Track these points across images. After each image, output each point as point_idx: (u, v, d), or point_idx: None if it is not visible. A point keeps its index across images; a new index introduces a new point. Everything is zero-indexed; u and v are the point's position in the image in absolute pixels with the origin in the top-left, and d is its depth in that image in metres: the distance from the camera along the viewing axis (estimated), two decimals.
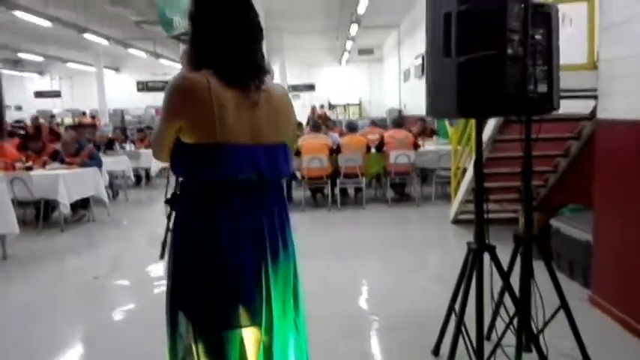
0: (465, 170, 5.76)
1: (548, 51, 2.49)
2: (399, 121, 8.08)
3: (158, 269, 4.94)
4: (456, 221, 6.03)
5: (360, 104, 21.79)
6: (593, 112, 4.18)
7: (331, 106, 18.88)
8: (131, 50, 17.77)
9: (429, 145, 8.13)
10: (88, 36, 14.32)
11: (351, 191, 8.20)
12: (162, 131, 1.60)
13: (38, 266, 5.12)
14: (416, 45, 14.08)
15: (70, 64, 21.01)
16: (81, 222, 7.21)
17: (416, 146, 7.43)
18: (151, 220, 7.35)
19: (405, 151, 7.19)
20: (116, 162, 9.00)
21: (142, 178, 10.99)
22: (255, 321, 1.58)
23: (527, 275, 2.56)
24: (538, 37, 2.45)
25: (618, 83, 3.09)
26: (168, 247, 1.75)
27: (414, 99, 14.75)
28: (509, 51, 2.22)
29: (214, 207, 1.57)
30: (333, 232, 6.32)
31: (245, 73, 1.57)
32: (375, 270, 4.76)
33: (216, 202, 1.57)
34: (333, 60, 22.08)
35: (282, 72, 17.40)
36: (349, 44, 17.27)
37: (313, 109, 15.55)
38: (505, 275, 2.48)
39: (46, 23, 12.11)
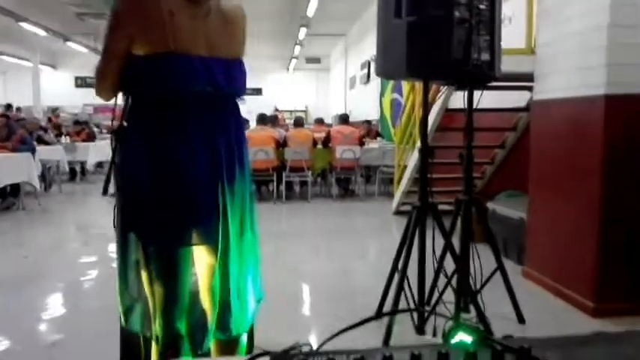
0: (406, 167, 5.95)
1: (491, 22, 2.63)
2: (345, 117, 8.20)
3: (90, 251, 4.77)
4: (398, 212, 6.17)
5: (306, 110, 21.93)
6: (529, 104, 4.43)
7: (278, 112, 18.97)
8: (70, 44, 17.07)
9: (373, 144, 8.32)
10: (25, 25, 13.66)
11: (296, 187, 8.23)
12: (111, 45, 1.55)
13: None
14: (362, 53, 14.40)
15: (4, 58, 19.89)
16: (9, 210, 6.83)
17: (361, 142, 7.57)
18: (84, 211, 7.06)
19: (351, 147, 7.31)
20: (50, 152, 8.56)
21: (77, 173, 10.54)
22: (208, 240, 1.55)
23: (466, 235, 2.66)
24: (482, 7, 2.58)
25: (553, 64, 3.29)
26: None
27: (360, 105, 15.05)
28: (457, 14, 2.33)
29: (167, 123, 1.51)
30: (278, 222, 6.31)
31: None
32: (318, 252, 4.80)
33: (169, 118, 1.51)
34: (281, 67, 22.15)
35: None
36: (297, 49, 17.39)
37: None
38: (446, 233, 2.57)
39: None
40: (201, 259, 1.59)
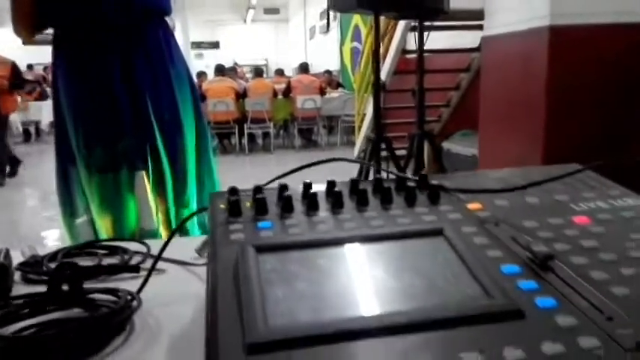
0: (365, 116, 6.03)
1: None
2: (305, 66, 8.15)
3: (49, 209, 4.73)
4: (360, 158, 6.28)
5: (266, 64, 21.56)
6: (481, 42, 4.51)
7: (238, 66, 18.59)
8: None
9: (334, 94, 8.35)
10: None
11: (259, 140, 8.23)
12: None
13: None
14: (321, 2, 14.13)
15: None
16: None
17: (322, 91, 7.58)
18: (41, 172, 6.90)
19: (312, 96, 7.31)
20: None
21: (31, 134, 10.23)
22: (144, 165, 1.51)
23: (418, 166, 2.78)
24: None
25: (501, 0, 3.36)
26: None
27: (320, 56, 14.91)
28: None
29: (78, 60, 1.42)
30: (241, 174, 6.35)
31: None
32: None
33: (80, 54, 1.42)
34: (239, 18, 21.55)
35: (185, 28, 16.65)
36: None
37: None
38: (400, 167, 2.68)
39: None
40: (141, 178, 1.55)
